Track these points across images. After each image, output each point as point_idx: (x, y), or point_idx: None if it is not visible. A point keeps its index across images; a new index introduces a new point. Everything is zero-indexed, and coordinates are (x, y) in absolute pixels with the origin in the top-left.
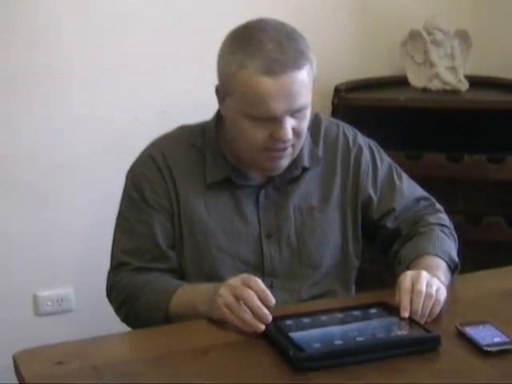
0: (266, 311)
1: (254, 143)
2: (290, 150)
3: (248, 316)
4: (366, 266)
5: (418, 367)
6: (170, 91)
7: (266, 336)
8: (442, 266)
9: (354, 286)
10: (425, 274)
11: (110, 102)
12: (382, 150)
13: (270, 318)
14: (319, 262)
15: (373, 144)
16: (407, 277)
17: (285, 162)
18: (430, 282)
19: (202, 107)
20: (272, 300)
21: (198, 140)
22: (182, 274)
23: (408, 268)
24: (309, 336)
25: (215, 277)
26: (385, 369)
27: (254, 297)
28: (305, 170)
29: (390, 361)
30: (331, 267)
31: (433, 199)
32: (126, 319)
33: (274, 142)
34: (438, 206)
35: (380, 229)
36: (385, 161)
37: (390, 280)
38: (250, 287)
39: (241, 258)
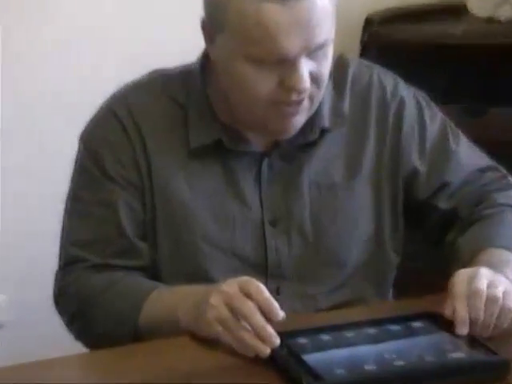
0: (271, 331)
1: (257, 96)
2: (306, 103)
3: (248, 336)
4: (408, 263)
5: None
6: None
7: (271, 359)
8: None
9: (391, 291)
10: (485, 271)
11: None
12: (432, 104)
13: (277, 340)
14: (343, 258)
15: (420, 96)
16: (461, 276)
17: (299, 120)
18: (493, 281)
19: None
20: (279, 314)
21: (177, 90)
22: (155, 274)
23: (467, 265)
24: (329, 359)
25: (201, 277)
26: None
27: (255, 312)
28: (324, 132)
29: None
30: (360, 265)
31: (503, 170)
32: (80, 335)
33: (286, 93)
34: (511, 179)
35: (429, 211)
36: (436, 118)
37: (441, 282)
38: (250, 296)
39: (236, 252)
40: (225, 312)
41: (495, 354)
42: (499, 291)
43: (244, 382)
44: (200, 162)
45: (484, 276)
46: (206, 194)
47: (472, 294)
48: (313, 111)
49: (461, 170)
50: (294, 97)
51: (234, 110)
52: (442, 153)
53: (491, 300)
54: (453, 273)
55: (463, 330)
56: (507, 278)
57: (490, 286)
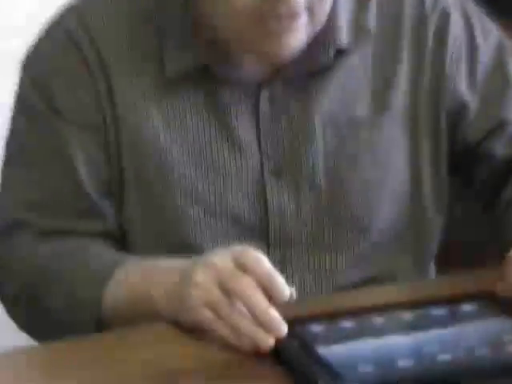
0: (276, 316)
1: (238, 8)
2: (304, 17)
3: (246, 323)
4: (455, 228)
5: None
6: None
7: (275, 353)
8: None
9: (432, 265)
10: None
11: None
12: (486, 18)
13: (283, 328)
14: (368, 218)
15: (469, 7)
16: None
17: (298, 39)
18: None
19: None
20: (286, 292)
21: (149, 2)
22: (123, 242)
23: None
24: (352, 353)
25: (183, 247)
26: None
27: (254, 290)
28: (342, 53)
29: None
30: (390, 229)
31: None
32: (26, 323)
33: (271, 4)
34: None
35: (481, 159)
36: (491, 37)
37: (498, 254)
38: (247, 270)
39: (228, 212)
40: (215, 292)
41: None
42: None
43: (242, 381)
44: (179, 97)
45: None
46: (187, 138)
47: None
48: (317, 27)
49: None
50: (283, 9)
51: (219, 32)
52: (498, 82)
53: None
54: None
55: None
56: None
57: None
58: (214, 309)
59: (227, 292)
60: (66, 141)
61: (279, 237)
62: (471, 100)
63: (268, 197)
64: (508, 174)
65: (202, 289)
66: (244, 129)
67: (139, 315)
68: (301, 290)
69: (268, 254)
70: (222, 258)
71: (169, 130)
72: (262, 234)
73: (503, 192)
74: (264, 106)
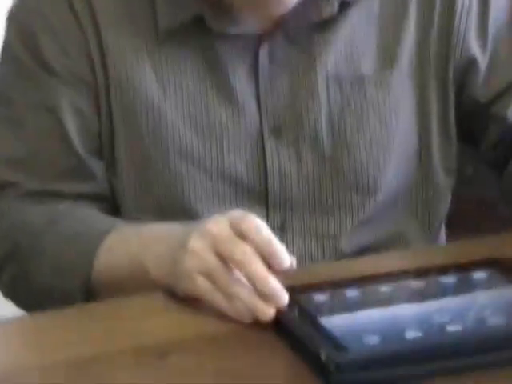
0: (277, 285)
1: None
2: None
3: (244, 293)
4: (467, 191)
5: None
6: None
7: (276, 325)
8: None
9: (443, 229)
10: None
11: None
12: None
13: (284, 297)
14: (374, 180)
15: None
16: None
17: None
18: None
19: None
20: (286, 260)
21: None
22: (115, 205)
23: None
24: (357, 323)
25: (177, 211)
26: None
27: (253, 258)
28: (346, 4)
29: None
30: (398, 191)
31: None
32: (11, 292)
33: None
34: None
35: (491, 122)
36: None
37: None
38: (245, 236)
39: (225, 174)
40: (211, 260)
41: None
42: None
43: (240, 355)
44: (173, 51)
45: None
46: (181, 94)
47: None
48: None
49: None
50: None
51: None
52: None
53: None
54: None
55: None
56: None
57: None
58: (210, 277)
59: (224, 260)
60: (54, 96)
61: (279, 199)
62: (481, 57)
63: (267, 157)
64: None
65: (198, 256)
66: (242, 85)
67: (131, 284)
68: (302, 257)
69: (267, 218)
70: (219, 225)
71: (162, 89)
72: (261, 197)
73: None
74: (263, 61)
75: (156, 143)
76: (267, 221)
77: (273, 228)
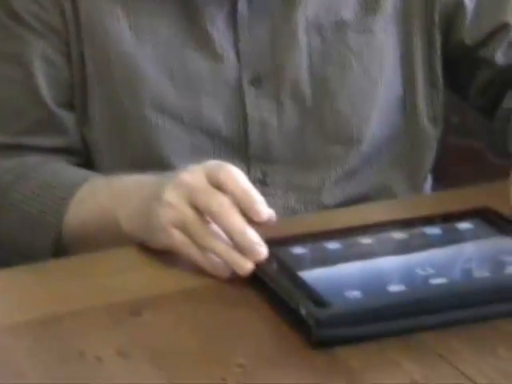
0: (255, 238)
1: None
2: None
3: (221, 246)
4: (453, 140)
5: None
6: None
7: (254, 279)
8: None
9: (429, 179)
10: None
11: None
12: None
13: (263, 251)
14: (358, 130)
15: None
16: None
17: None
18: None
19: None
20: (265, 212)
21: None
22: (87, 159)
23: None
24: (338, 277)
25: (153, 163)
26: (485, 338)
27: (231, 210)
28: None
29: (500, 323)
30: (382, 141)
31: None
32: None
33: None
34: None
35: (479, 66)
36: None
37: (500, 167)
38: (223, 187)
39: (203, 125)
40: (186, 212)
41: None
42: None
43: (216, 311)
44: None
45: None
46: (157, 43)
47: None
48: None
49: None
50: None
51: None
52: None
53: None
54: None
55: None
56: None
57: None
58: (185, 230)
59: (200, 212)
60: (25, 47)
61: (260, 152)
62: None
63: (247, 108)
64: (508, 82)
65: (173, 208)
66: (220, 34)
67: (103, 239)
68: (284, 211)
69: (247, 171)
70: (194, 175)
71: (136, 37)
72: (241, 150)
73: (505, 100)
74: (242, 8)
75: (130, 94)
76: (247, 174)
77: (253, 181)
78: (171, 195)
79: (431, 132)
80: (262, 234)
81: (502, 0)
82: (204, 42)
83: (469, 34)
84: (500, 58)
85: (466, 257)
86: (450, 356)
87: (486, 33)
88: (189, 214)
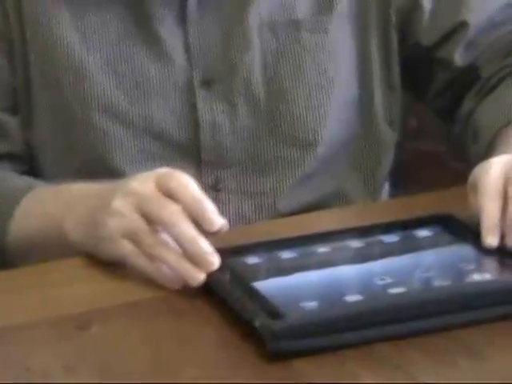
0: (207, 248)
1: None
2: None
3: (172, 256)
4: (412, 144)
5: None
6: None
7: (206, 290)
8: None
9: (386, 184)
10: None
11: None
12: None
13: (215, 261)
14: (313, 133)
15: None
16: (495, 167)
17: None
18: None
19: None
20: (218, 221)
21: None
22: (32, 166)
23: (493, 146)
24: (293, 287)
25: (101, 170)
26: (445, 348)
27: (181, 218)
28: None
29: (460, 334)
30: (339, 144)
31: None
32: None
33: None
34: None
35: (437, 67)
36: None
37: (460, 171)
38: (173, 195)
39: (153, 130)
40: (135, 221)
41: None
42: None
43: (167, 323)
44: (95, 1)
45: None
46: (105, 46)
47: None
48: None
49: (484, 5)
50: None
51: None
52: None
53: None
54: (473, 159)
55: (492, 239)
56: None
57: None
58: (134, 240)
59: (150, 221)
60: None
61: (212, 157)
62: None
63: (199, 111)
64: (466, 85)
65: (122, 217)
66: (170, 35)
67: (49, 249)
68: (237, 218)
69: (199, 177)
70: (144, 183)
71: (84, 40)
72: (193, 154)
73: (463, 105)
74: (192, 7)
75: (77, 98)
76: (200, 179)
77: (206, 187)
78: (120, 204)
79: (388, 134)
80: (214, 244)
81: None
82: (153, 44)
83: (426, 34)
84: (458, 58)
85: (425, 265)
86: (409, 367)
87: (443, 32)
88: (138, 223)
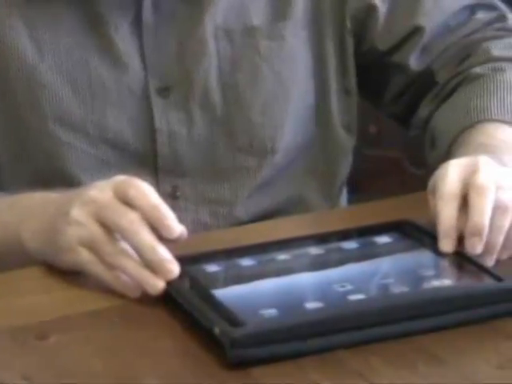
0: (166, 256)
1: None
2: None
3: (131, 265)
4: (372, 151)
5: (478, 349)
6: None
7: (166, 298)
8: None
9: (344, 190)
10: (488, 162)
11: None
12: None
13: (175, 267)
14: (271, 140)
15: None
16: (452, 169)
17: None
18: (499, 179)
19: None
20: (176, 228)
21: None
22: None
23: (451, 151)
24: (253, 295)
25: (57, 180)
26: (405, 355)
27: (140, 226)
28: None
29: (419, 339)
30: (296, 151)
31: (500, 6)
32: None
33: None
34: None
35: (393, 72)
36: None
37: (419, 177)
38: (131, 203)
39: (108, 138)
40: (94, 229)
41: (500, 278)
42: (509, 195)
43: (126, 333)
44: (48, 5)
45: (487, 169)
46: (59, 53)
47: (473, 193)
48: None
49: (439, 9)
50: None
51: None
52: None
53: (500, 209)
54: (431, 163)
55: (447, 245)
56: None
57: (496, 186)
58: (92, 248)
59: (108, 229)
60: None
61: (169, 165)
62: (381, 2)
63: (155, 119)
64: (423, 89)
65: (80, 226)
66: (125, 42)
67: (6, 259)
68: (195, 226)
69: (157, 184)
70: (102, 191)
71: (38, 47)
72: (150, 162)
73: (419, 110)
74: (147, 14)
75: (31, 107)
76: (157, 188)
77: (163, 195)
78: (78, 213)
79: (345, 140)
80: (173, 251)
81: (414, 3)
82: (108, 51)
83: (381, 38)
84: (414, 62)
85: (385, 272)
86: (369, 374)
87: (398, 37)
88: (96, 231)
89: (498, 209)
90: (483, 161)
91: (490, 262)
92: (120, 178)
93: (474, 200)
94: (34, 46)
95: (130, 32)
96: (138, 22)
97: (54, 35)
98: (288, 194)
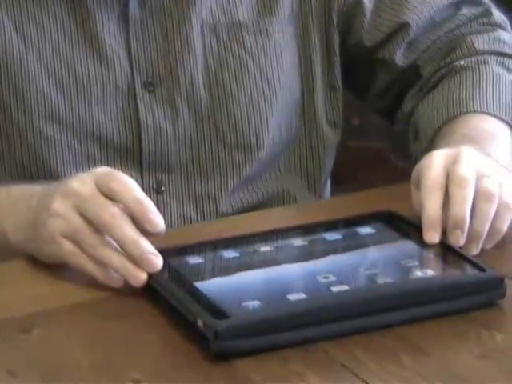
0: (149, 248)
1: None
2: None
3: (114, 256)
4: (354, 143)
5: (460, 340)
6: None
7: (148, 290)
8: (503, 136)
9: (328, 183)
10: (470, 153)
11: None
12: None
13: (158, 260)
14: (255, 135)
15: None
16: (436, 160)
17: None
18: (483, 168)
19: None
20: (159, 222)
21: None
22: None
23: (434, 143)
24: (236, 287)
25: (42, 174)
26: (388, 346)
27: (122, 219)
28: None
29: (403, 330)
30: (281, 145)
31: (487, 3)
32: None
33: None
34: (497, 15)
35: (379, 67)
36: None
37: (402, 169)
38: (114, 196)
39: (94, 133)
40: (76, 222)
41: (483, 269)
42: (493, 183)
43: (109, 325)
44: (35, 2)
45: (470, 159)
46: (44, 48)
47: (453, 184)
48: None
49: (425, 5)
50: None
51: None
52: None
53: (484, 196)
54: (415, 155)
55: (431, 236)
56: (499, 160)
57: (479, 175)
58: (75, 240)
59: (90, 221)
60: None
61: (154, 160)
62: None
63: (140, 114)
64: (408, 84)
65: (62, 218)
66: (111, 37)
67: None
68: (179, 221)
69: (141, 179)
70: (83, 183)
71: (23, 42)
72: (135, 157)
73: (403, 103)
74: (134, 8)
75: (17, 102)
76: (141, 182)
77: (147, 190)
78: (60, 205)
79: (330, 135)
80: (156, 244)
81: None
82: (94, 46)
83: (368, 34)
84: (400, 58)
85: (369, 262)
86: (353, 365)
87: (384, 33)
88: (78, 223)
89: (483, 196)
90: (466, 151)
91: (475, 251)
92: (102, 169)
93: (453, 191)
94: (19, 41)
95: (117, 27)
96: (124, 17)
97: (40, 30)
98: (273, 190)
